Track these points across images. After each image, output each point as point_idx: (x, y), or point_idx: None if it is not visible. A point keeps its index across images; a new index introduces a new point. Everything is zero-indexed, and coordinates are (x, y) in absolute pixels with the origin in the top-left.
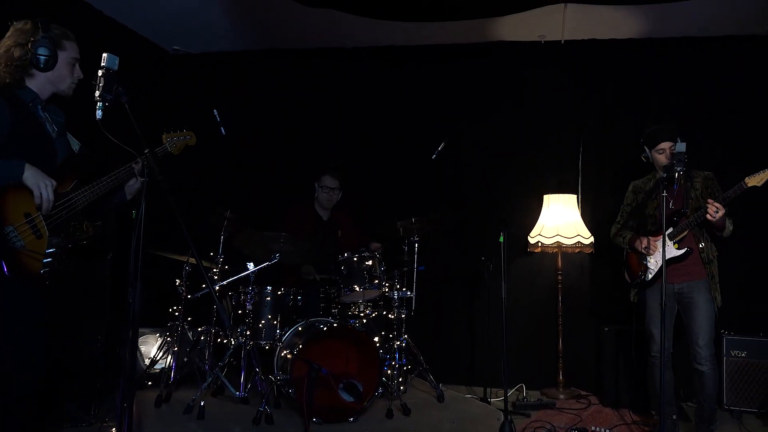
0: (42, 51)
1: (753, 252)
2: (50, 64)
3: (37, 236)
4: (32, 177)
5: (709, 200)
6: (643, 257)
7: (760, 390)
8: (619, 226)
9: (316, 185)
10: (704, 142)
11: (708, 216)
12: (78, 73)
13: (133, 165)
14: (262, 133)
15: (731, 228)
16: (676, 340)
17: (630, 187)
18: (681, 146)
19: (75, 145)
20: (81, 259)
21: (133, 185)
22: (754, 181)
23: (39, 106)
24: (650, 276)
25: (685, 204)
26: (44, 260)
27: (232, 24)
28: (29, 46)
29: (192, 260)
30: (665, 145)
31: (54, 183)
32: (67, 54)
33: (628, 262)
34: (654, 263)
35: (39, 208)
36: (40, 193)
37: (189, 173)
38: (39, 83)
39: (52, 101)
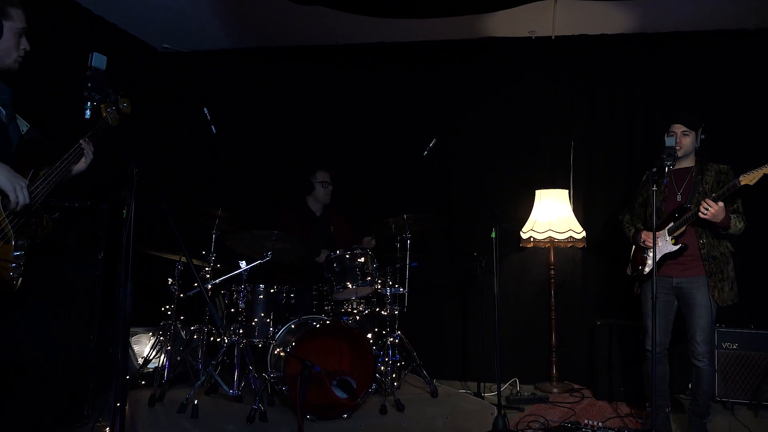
0: None
1: (744, 246)
2: None
3: (4, 241)
4: (6, 180)
5: (705, 198)
6: (644, 251)
7: (752, 381)
8: (627, 216)
9: (313, 181)
10: None
11: (699, 213)
12: (24, 44)
13: (81, 142)
14: (253, 131)
15: (740, 226)
16: (673, 335)
17: (644, 177)
18: (670, 140)
19: (23, 126)
20: (70, 259)
21: (79, 166)
22: (746, 179)
23: None
24: (646, 270)
25: (690, 198)
26: (12, 264)
27: (222, 22)
28: None
29: (184, 259)
30: (676, 128)
31: (26, 182)
32: (13, 24)
33: (634, 255)
34: (651, 257)
35: (12, 212)
36: (17, 197)
37: (180, 171)
38: None
39: None
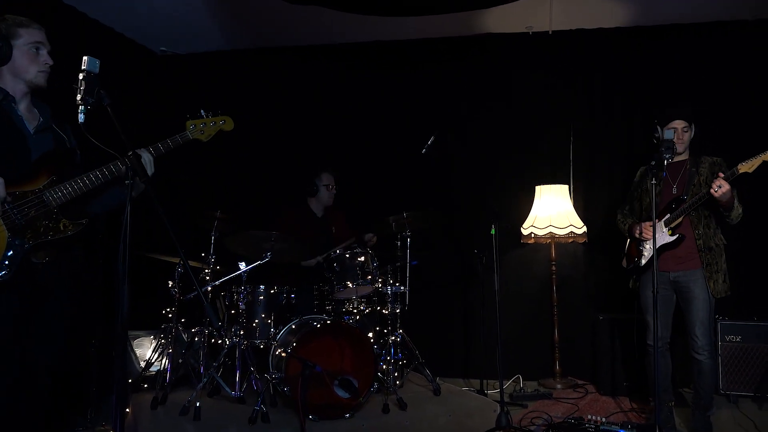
0: None
1: (746, 238)
2: (4, 56)
3: None
4: None
5: (719, 174)
6: (639, 243)
7: (756, 374)
8: (625, 212)
9: (318, 183)
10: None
11: (711, 190)
12: (45, 59)
13: (116, 165)
14: (251, 133)
15: (740, 212)
16: (674, 328)
17: (638, 172)
18: (669, 133)
19: (73, 141)
20: (74, 262)
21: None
22: (745, 167)
23: (13, 104)
24: (643, 262)
25: (686, 190)
26: (2, 263)
27: (219, 24)
28: None
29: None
30: (676, 123)
31: (1, 180)
32: (23, 41)
33: (628, 248)
34: (648, 249)
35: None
36: None
37: (180, 173)
38: (6, 79)
39: (34, 96)
